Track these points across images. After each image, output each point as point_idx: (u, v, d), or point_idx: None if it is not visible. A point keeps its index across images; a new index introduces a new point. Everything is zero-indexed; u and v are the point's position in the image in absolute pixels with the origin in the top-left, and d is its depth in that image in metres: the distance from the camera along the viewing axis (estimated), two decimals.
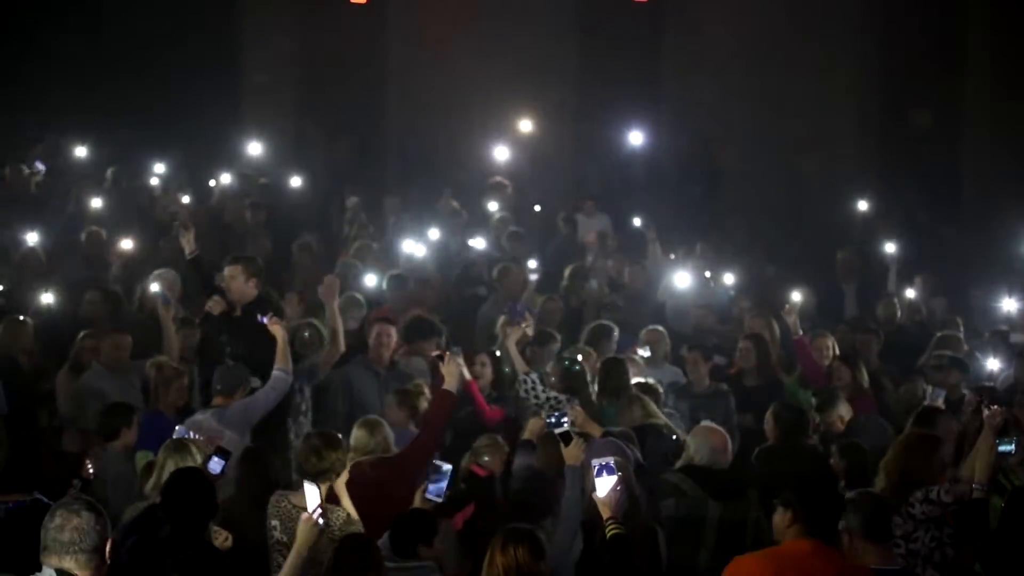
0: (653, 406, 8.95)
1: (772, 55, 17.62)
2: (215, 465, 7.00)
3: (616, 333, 10.86)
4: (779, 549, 5.89)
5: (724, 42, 17.89)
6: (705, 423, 8.40)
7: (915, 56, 17.64)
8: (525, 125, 17.08)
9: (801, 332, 10.74)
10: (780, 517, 5.92)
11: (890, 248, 14.04)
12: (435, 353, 8.73)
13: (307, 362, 9.71)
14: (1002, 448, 7.35)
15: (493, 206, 15.57)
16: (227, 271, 9.89)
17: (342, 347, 9.79)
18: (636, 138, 17.51)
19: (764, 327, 11.10)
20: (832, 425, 9.36)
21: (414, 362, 10.35)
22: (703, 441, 7.96)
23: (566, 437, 7.08)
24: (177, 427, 8.20)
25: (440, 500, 7.10)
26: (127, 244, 12.04)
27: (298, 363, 9.43)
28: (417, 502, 7.14)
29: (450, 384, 8.28)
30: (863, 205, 15.78)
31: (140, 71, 18.50)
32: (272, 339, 9.07)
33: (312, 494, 6.13)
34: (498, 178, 16.22)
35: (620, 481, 6.56)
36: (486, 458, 8.08)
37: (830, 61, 17.66)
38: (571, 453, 7.01)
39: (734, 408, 9.81)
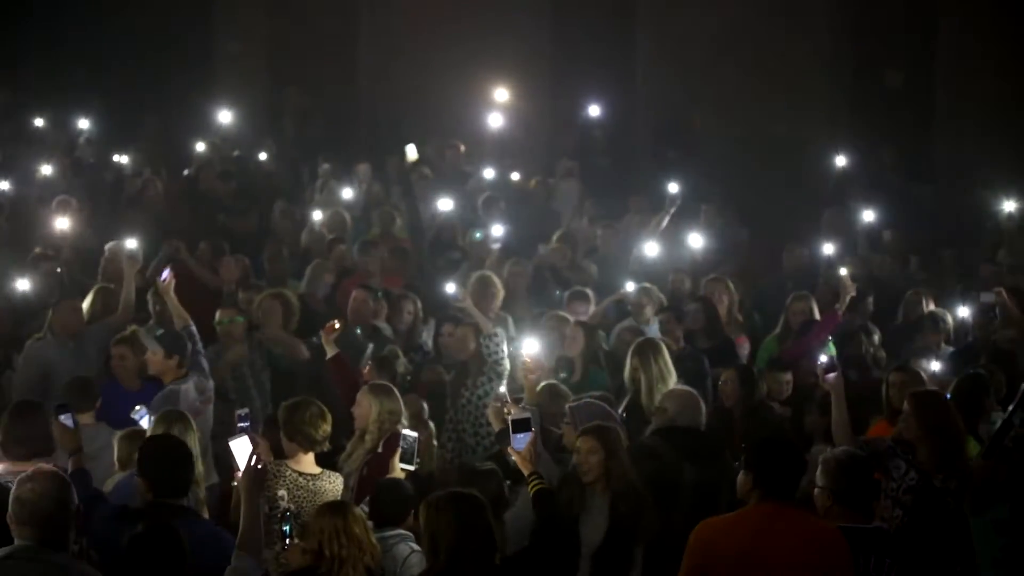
0: None
1: (745, 18, 17.56)
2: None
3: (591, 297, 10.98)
4: (744, 512, 5.92)
5: (697, 6, 17.84)
6: (678, 385, 8.45)
7: (887, 16, 17.64)
8: (500, 94, 17.03)
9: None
10: (743, 479, 5.95)
11: (862, 211, 14.12)
12: (331, 325, 8.87)
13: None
14: None
15: (457, 165, 15.72)
16: None
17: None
18: (608, 105, 17.51)
19: (722, 290, 11.17)
20: None
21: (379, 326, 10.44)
22: (683, 403, 8.00)
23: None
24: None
25: (413, 468, 7.23)
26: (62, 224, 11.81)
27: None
28: (396, 471, 7.21)
29: (330, 352, 8.83)
30: (835, 164, 15.81)
31: (110, 41, 18.36)
32: None
33: (242, 445, 6.14)
34: (452, 141, 16.23)
35: (535, 437, 6.64)
36: None
37: (802, 23, 17.62)
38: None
39: (708, 370, 9.84)
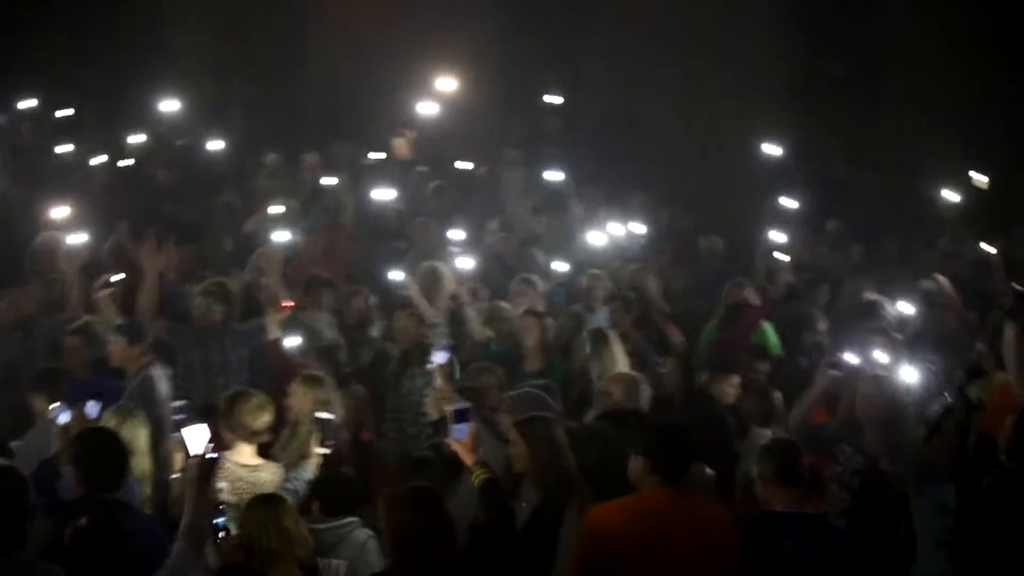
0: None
1: (691, 5, 17.61)
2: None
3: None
4: (637, 498, 5.97)
5: None
6: (618, 368, 8.51)
7: (834, 4, 17.74)
8: (445, 83, 17.00)
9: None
10: (636, 465, 5.98)
11: (788, 201, 14.28)
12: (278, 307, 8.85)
13: (248, 324, 9.66)
14: None
15: (400, 144, 15.69)
16: None
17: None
18: (558, 92, 17.52)
19: (648, 279, 11.23)
20: None
21: (319, 317, 10.40)
22: (627, 387, 8.05)
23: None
24: None
25: (329, 451, 7.30)
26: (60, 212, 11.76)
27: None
28: (313, 456, 7.27)
29: (272, 334, 8.88)
30: (778, 153, 15.88)
31: (55, 27, 18.17)
32: None
33: (199, 433, 6.13)
34: (400, 129, 16.16)
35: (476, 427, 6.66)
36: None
37: (748, 10, 17.68)
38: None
39: (652, 358, 9.88)
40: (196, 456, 6.07)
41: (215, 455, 6.09)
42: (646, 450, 5.97)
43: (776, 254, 11.42)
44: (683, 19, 17.60)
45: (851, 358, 8.14)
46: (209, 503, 6.06)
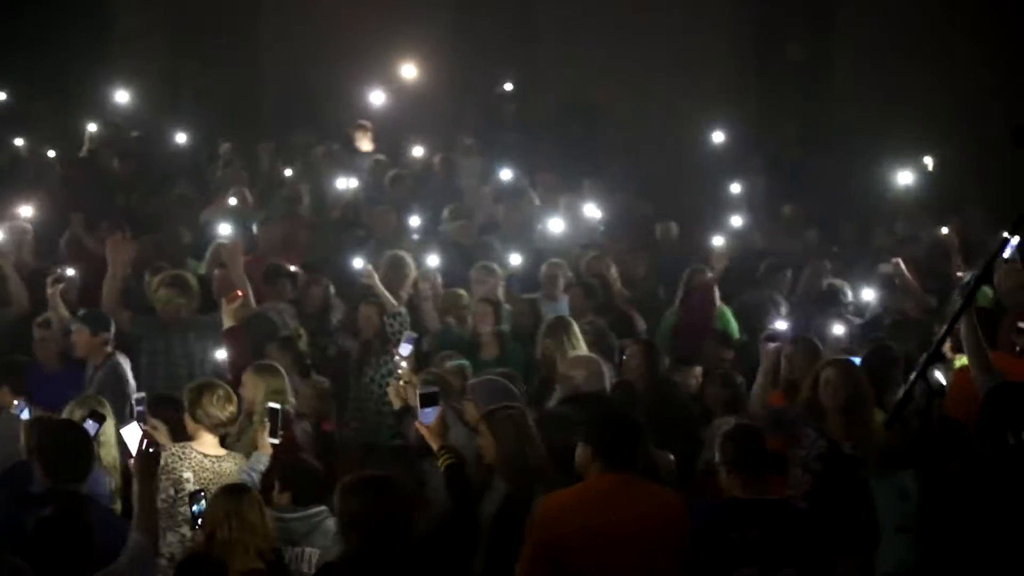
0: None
1: None
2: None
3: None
4: (586, 485, 5.94)
5: None
6: (578, 353, 8.53)
7: None
8: (408, 71, 16.96)
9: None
10: (581, 453, 5.97)
11: (735, 188, 14.34)
12: (235, 295, 8.80)
13: (212, 315, 9.61)
14: None
15: (365, 145, 15.55)
16: None
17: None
18: (512, 79, 17.56)
19: (606, 267, 11.27)
20: None
21: (282, 307, 10.38)
22: (590, 370, 8.06)
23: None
24: None
25: (279, 441, 7.25)
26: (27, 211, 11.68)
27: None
28: (264, 446, 7.24)
29: (227, 323, 8.74)
30: (734, 139, 15.95)
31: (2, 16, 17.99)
32: None
33: (132, 431, 6.13)
34: (361, 121, 16.11)
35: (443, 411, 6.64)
36: None
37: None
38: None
39: (616, 344, 9.90)
40: (137, 452, 6.09)
41: (154, 449, 6.09)
42: (589, 437, 5.95)
43: (717, 238, 11.51)
44: (638, 6, 17.63)
45: (782, 325, 8.17)
46: (154, 495, 6.06)
